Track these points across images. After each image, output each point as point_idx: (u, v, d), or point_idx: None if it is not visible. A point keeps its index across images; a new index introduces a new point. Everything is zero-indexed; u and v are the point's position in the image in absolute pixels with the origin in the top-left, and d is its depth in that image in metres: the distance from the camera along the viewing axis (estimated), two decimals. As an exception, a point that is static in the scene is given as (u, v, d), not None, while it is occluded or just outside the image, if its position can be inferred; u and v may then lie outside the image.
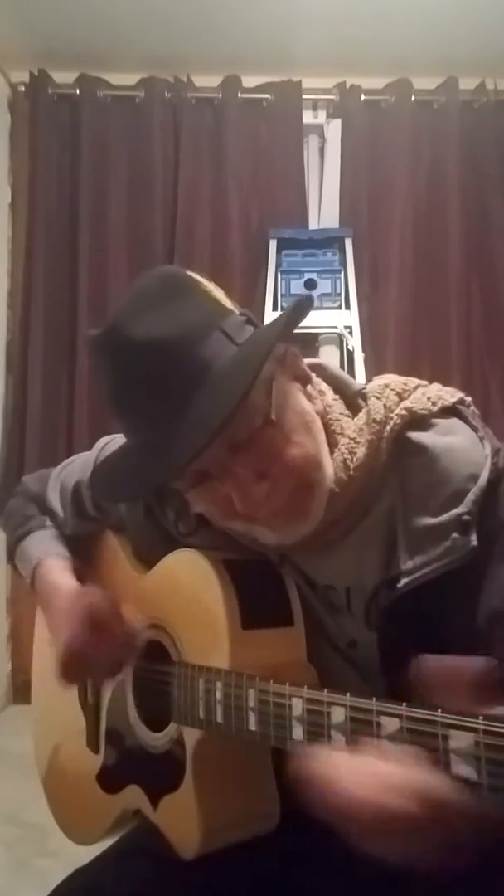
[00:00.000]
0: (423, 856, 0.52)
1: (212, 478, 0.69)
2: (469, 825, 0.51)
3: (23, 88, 2.96)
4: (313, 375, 0.78)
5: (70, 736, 1.02)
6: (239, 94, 2.94)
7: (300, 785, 0.55)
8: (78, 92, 2.92)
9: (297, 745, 0.63)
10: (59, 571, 0.94)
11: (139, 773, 0.87)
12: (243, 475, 0.68)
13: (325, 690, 0.63)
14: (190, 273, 0.73)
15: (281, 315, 0.75)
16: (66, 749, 1.02)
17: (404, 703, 0.57)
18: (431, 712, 0.55)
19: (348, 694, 0.62)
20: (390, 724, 0.58)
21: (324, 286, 2.74)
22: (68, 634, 0.84)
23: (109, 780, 0.93)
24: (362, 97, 2.96)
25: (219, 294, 0.73)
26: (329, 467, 0.73)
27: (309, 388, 0.76)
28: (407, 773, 0.53)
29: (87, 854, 0.90)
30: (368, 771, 0.54)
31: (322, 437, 0.74)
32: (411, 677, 0.64)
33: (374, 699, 0.59)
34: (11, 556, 1.02)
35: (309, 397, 0.75)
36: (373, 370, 2.69)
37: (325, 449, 0.73)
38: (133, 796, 0.87)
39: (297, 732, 0.65)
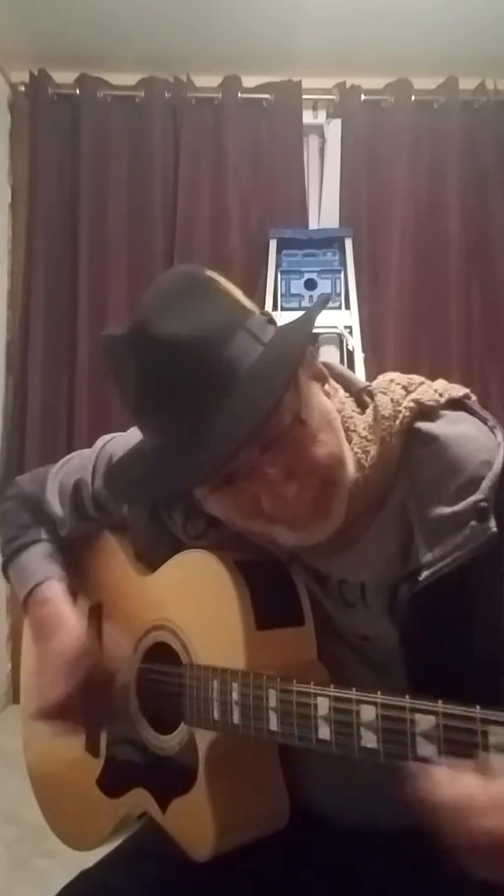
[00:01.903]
0: None
1: (237, 479, 0.68)
2: None
3: (23, 88, 2.95)
4: (327, 374, 0.78)
5: (64, 738, 1.00)
6: (239, 94, 2.93)
7: (425, 808, 0.53)
8: (78, 92, 2.92)
9: (416, 763, 0.57)
10: (60, 601, 0.93)
11: (145, 776, 0.86)
12: (273, 474, 0.67)
13: (354, 689, 0.63)
14: (209, 272, 0.72)
15: (305, 314, 0.75)
16: (61, 752, 1.01)
17: (440, 701, 0.57)
18: (469, 708, 0.54)
19: (379, 692, 0.61)
20: (425, 722, 0.57)
21: (324, 286, 2.74)
22: (62, 690, 0.84)
23: (112, 783, 0.92)
24: (362, 97, 2.96)
25: (238, 293, 0.73)
26: (350, 466, 0.72)
27: (326, 386, 0.76)
28: None
29: (86, 854, 0.90)
30: None
31: (342, 434, 0.74)
32: None
33: (406, 696, 0.59)
34: (5, 567, 1.00)
35: (327, 395, 0.75)
36: (373, 370, 2.69)
37: (346, 447, 0.73)
38: (138, 799, 0.87)
39: (324, 732, 0.65)
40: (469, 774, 0.53)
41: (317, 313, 0.73)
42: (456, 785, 0.52)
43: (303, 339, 0.70)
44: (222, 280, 0.72)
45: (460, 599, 0.67)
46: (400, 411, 0.72)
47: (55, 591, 0.94)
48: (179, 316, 0.67)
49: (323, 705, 0.65)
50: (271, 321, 0.73)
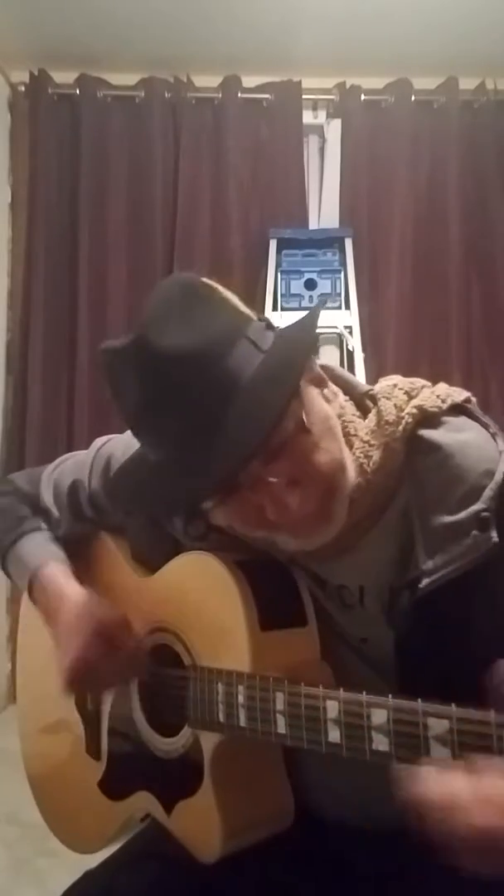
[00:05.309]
0: None
1: (240, 490, 0.68)
2: None
3: (23, 88, 2.95)
4: (326, 377, 0.77)
5: (64, 741, 1.00)
6: (239, 94, 2.93)
7: (414, 806, 0.53)
8: (78, 92, 2.91)
9: (403, 763, 0.59)
10: (63, 577, 0.91)
11: (149, 778, 0.86)
12: (276, 484, 0.67)
13: (364, 692, 0.63)
14: (207, 280, 0.72)
15: (304, 320, 0.74)
16: (60, 755, 1.00)
17: (452, 704, 0.57)
18: (483, 713, 0.55)
19: (390, 696, 0.61)
20: (438, 726, 0.57)
21: (324, 286, 2.74)
22: (77, 646, 0.82)
23: (114, 786, 0.92)
24: (362, 97, 2.96)
25: (236, 301, 0.72)
26: (351, 471, 0.72)
27: (325, 391, 0.76)
28: None
29: (88, 855, 0.90)
30: (494, 797, 0.52)
31: (342, 440, 0.73)
32: (485, 684, 0.63)
33: (419, 700, 0.59)
34: (3, 559, 0.98)
35: (326, 400, 0.75)
36: (373, 370, 2.69)
37: (347, 452, 0.73)
38: (142, 802, 0.86)
39: (334, 735, 0.65)
40: (454, 773, 0.54)
41: (315, 319, 0.72)
42: (441, 783, 0.53)
43: (305, 348, 0.70)
44: (220, 288, 0.72)
45: (459, 607, 0.67)
46: (403, 417, 0.72)
47: (55, 572, 0.91)
48: (179, 327, 0.66)
49: (332, 708, 0.65)
50: (270, 326, 0.73)
